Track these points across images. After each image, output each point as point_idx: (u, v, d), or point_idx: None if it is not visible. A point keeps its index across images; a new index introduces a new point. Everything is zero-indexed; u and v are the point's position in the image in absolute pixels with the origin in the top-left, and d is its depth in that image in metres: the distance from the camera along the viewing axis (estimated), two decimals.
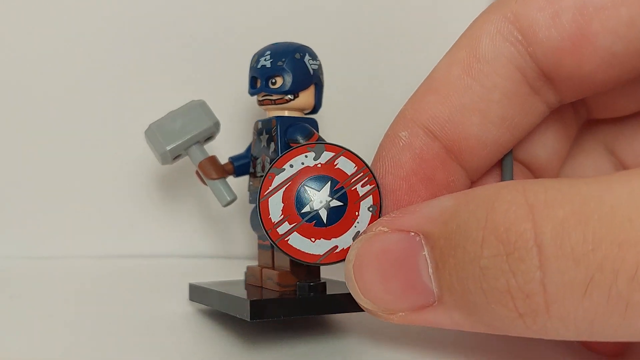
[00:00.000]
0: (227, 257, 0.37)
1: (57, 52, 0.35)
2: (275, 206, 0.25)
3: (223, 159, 0.30)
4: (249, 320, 0.24)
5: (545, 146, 0.29)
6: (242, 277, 0.31)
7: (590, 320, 0.19)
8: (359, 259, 0.24)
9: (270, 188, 0.25)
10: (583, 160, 0.30)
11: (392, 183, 0.26)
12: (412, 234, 0.22)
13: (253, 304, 0.24)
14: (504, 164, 0.28)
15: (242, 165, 0.30)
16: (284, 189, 0.25)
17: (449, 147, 0.26)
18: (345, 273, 0.24)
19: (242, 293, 0.27)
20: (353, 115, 0.35)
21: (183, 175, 0.36)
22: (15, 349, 0.26)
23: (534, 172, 0.30)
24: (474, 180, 0.28)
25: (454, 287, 0.21)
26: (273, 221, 0.25)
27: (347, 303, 0.25)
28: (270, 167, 0.25)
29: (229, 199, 0.29)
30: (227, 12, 0.35)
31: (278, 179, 0.25)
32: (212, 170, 0.29)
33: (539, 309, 0.20)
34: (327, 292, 0.26)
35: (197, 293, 0.30)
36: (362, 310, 0.25)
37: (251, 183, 0.30)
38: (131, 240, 0.37)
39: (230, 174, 0.30)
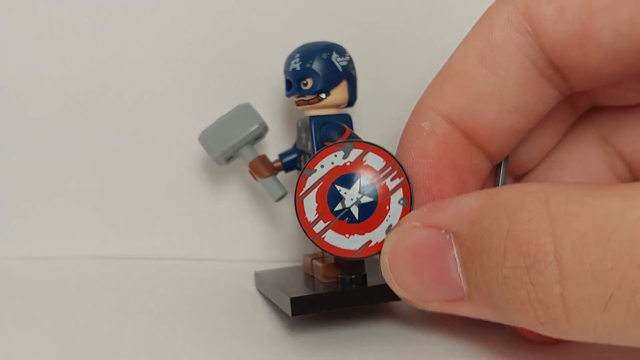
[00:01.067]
0: (229, 261, 0.37)
1: (60, 51, 0.35)
2: (310, 206, 0.27)
3: (274, 154, 0.32)
4: (290, 315, 0.26)
5: (534, 139, 0.30)
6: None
7: (609, 330, 0.20)
8: (393, 252, 0.25)
9: (305, 189, 0.27)
10: (573, 147, 0.30)
11: (420, 172, 0.27)
12: (443, 231, 0.23)
13: (294, 301, 0.26)
14: (497, 171, 0.28)
15: (290, 161, 0.31)
16: (316, 189, 0.27)
17: (468, 134, 0.27)
18: (381, 264, 0.26)
19: (288, 286, 0.29)
20: (378, 104, 0.35)
21: (184, 175, 0.36)
22: (16, 349, 0.27)
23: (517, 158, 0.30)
24: (495, 164, 0.28)
25: (480, 287, 0.22)
26: (309, 220, 0.27)
27: (385, 294, 0.26)
28: (304, 169, 0.27)
29: (280, 194, 0.31)
30: (258, 12, 0.35)
31: (311, 180, 0.27)
32: (263, 168, 0.31)
33: (559, 319, 0.20)
34: (368, 284, 0.28)
35: (260, 281, 0.32)
36: (400, 299, 0.26)
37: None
38: (132, 240, 0.36)
39: (280, 170, 0.31)
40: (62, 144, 0.35)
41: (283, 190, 0.31)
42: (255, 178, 0.32)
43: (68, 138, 0.35)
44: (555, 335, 0.21)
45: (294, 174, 0.32)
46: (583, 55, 0.24)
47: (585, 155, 0.30)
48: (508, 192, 0.22)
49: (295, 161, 0.31)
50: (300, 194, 0.27)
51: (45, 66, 0.35)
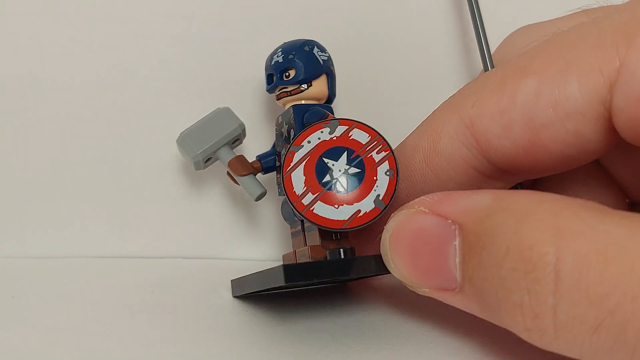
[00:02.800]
0: (229, 259, 0.37)
1: (62, 52, 0.36)
2: (298, 179, 0.27)
3: (251, 159, 0.32)
4: (284, 283, 0.26)
5: None
6: None
7: (595, 352, 0.20)
8: (396, 232, 0.25)
9: (292, 164, 0.27)
10: None
11: None
12: (449, 221, 0.24)
13: (287, 268, 0.26)
14: None
15: (268, 161, 0.32)
16: (304, 163, 0.27)
17: None
18: (381, 241, 0.26)
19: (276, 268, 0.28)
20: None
21: (184, 176, 0.36)
22: (16, 349, 0.26)
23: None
24: None
25: (474, 281, 0.23)
26: (297, 193, 0.27)
27: (376, 264, 0.26)
28: (290, 146, 0.27)
29: (259, 192, 0.31)
30: (239, 18, 0.36)
31: (298, 155, 0.27)
32: (241, 167, 0.31)
33: (547, 329, 0.21)
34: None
35: (237, 286, 0.31)
36: (390, 273, 0.26)
37: (278, 175, 0.31)
38: (132, 240, 0.36)
39: (258, 171, 0.32)
40: (61, 144, 0.36)
41: (262, 188, 0.31)
42: (234, 181, 0.32)
43: (68, 138, 0.36)
44: (538, 344, 0.21)
45: (270, 176, 0.32)
46: (532, 162, 0.25)
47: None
48: (521, 197, 0.22)
49: (274, 162, 0.32)
50: (288, 169, 0.27)
51: (42, 64, 0.35)
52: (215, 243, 0.37)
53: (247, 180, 0.31)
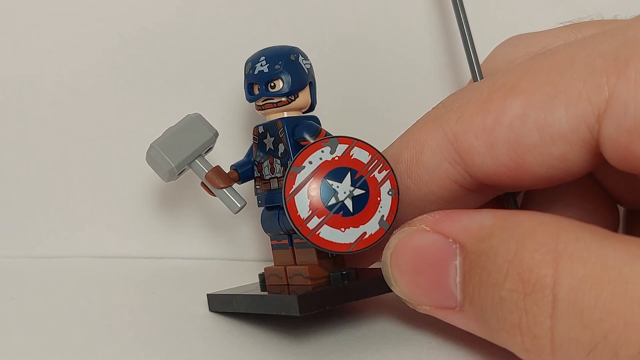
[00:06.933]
0: (225, 259, 0.37)
1: (59, 54, 0.35)
2: (302, 202, 0.26)
3: (223, 167, 0.30)
4: (298, 315, 0.25)
5: None
6: (244, 282, 0.32)
7: None
8: (397, 249, 0.25)
9: (295, 186, 0.26)
10: None
11: None
12: (450, 240, 0.24)
13: (301, 298, 0.25)
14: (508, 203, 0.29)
15: (246, 171, 0.30)
16: (307, 185, 0.26)
17: None
18: (382, 258, 0.26)
19: (279, 292, 0.28)
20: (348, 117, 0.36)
21: (185, 176, 0.35)
22: (16, 349, 0.26)
23: None
24: None
25: (474, 301, 0.23)
26: (302, 217, 0.26)
27: (383, 285, 0.26)
28: (290, 167, 0.26)
29: (239, 205, 0.30)
30: (219, 23, 0.35)
31: (300, 177, 0.26)
32: (219, 180, 0.30)
33: (545, 350, 0.21)
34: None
35: (218, 302, 0.30)
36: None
37: (258, 187, 0.30)
38: (132, 241, 0.36)
39: (235, 181, 0.30)
40: (61, 143, 0.36)
41: (242, 201, 0.30)
42: (209, 192, 0.30)
43: (67, 138, 0.36)
44: None
45: (245, 186, 0.31)
46: (515, 181, 0.25)
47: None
48: (522, 218, 0.22)
49: (252, 171, 0.30)
50: (291, 192, 0.26)
51: (42, 65, 0.36)
52: (216, 243, 0.37)
53: (225, 193, 0.30)
